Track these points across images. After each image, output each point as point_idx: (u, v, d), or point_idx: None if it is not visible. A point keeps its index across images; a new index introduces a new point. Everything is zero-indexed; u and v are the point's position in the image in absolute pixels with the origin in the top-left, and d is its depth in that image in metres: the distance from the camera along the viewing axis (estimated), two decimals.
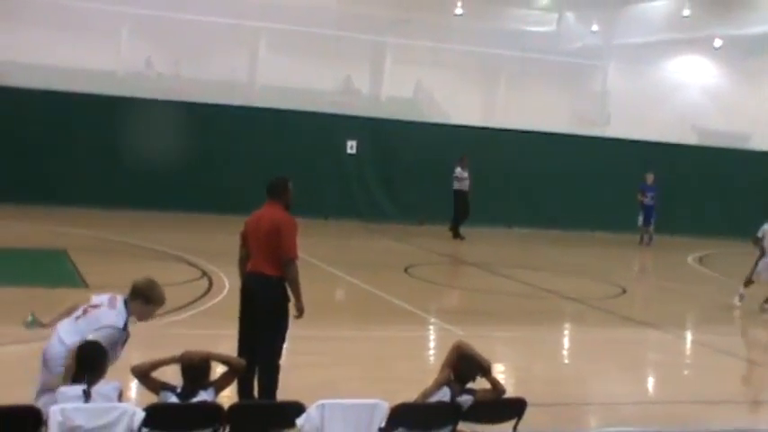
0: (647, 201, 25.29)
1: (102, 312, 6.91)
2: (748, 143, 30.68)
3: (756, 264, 16.87)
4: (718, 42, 31.26)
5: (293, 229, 8.13)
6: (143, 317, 7.14)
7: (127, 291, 7.10)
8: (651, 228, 25.45)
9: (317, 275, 15.93)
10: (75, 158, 22.25)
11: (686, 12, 30.16)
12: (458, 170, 23.26)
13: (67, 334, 6.73)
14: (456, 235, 23.22)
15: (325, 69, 28.33)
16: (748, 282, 16.86)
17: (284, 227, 8.08)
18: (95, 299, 7.07)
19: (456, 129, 26.33)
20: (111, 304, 6.98)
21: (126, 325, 6.94)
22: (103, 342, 6.59)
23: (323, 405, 6.34)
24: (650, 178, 25.44)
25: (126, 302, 7.03)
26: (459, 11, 28.52)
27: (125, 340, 6.95)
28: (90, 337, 6.62)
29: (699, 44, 31.34)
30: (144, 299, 7.11)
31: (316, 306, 12.42)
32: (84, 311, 6.93)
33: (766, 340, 15.18)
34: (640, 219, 25.36)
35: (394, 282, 16.84)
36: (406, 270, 18.00)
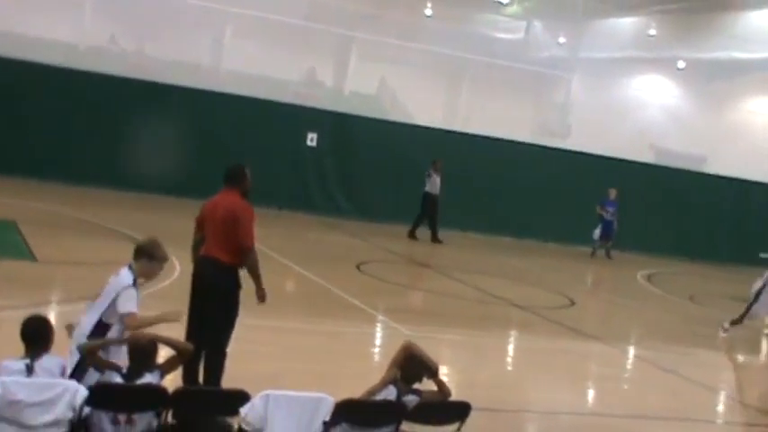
0: (608, 216, 25.41)
1: (111, 283, 7.07)
2: (704, 166, 31.08)
3: (749, 308, 16.99)
4: (681, 64, 31.63)
5: (250, 218, 8.09)
6: (149, 275, 7.32)
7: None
8: (610, 243, 25.60)
9: (270, 266, 15.72)
10: (29, 130, 21.95)
11: (652, 31, 30.52)
12: (430, 172, 23.27)
13: (89, 316, 6.93)
14: (412, 236, 23.26)
15: (291, 59, 28.23)
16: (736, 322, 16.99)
17: (241, 215, 8.04)
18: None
19: (417, 129, 26.37)
20: (116, 273, 7.15)
21: (135, 282, 7.08)
22: (128, 304, 6.84)
23: (268, 396, 6.33)
24: (613, 193, 25.60)
25: (130, 266, 7.17)
26: (429, 11, 28.58)
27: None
28: (118, 307, 6.87)
29: (662, 64, 31.69)
30: (148, 256, 7.27)
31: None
32: (98, 295, 7.04)
33: (709, 360, 15.36)
34: (597, 232, 25.43)
35: (346, 277, 16.83)
36: (358, 266, 18.00)
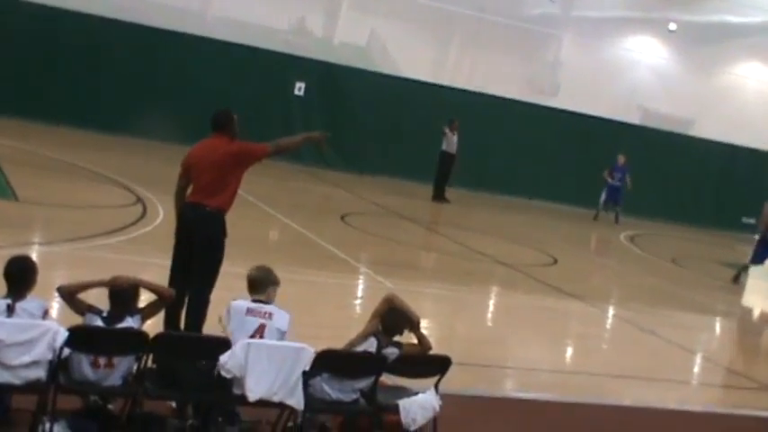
0: (614, 182, 25.46)
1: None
2: (691, 129, 31.09)
3: None
4: (672, 26, 31.49)
5: (248, 144, 8.04)
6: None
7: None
8: (618, 208, 25.66)
9: (254, 214, 15.86)
10: (15, 70, 21.72)
11: None
12: (446, 130, 23.24)
13: None
14: (439, 197, 23.24)
15: (281, 7, 27.96)
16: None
17: (239, 147, 7.97)
18: None
19: (406, 82, 26.25)
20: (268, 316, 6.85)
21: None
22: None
23: (249, 344, 6.33)
24: (621, 159, 25.66)
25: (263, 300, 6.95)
26: None
27: None
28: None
29: (654, 25, 31.54)
30: (274, 284, 7.08)
31: (249, 244, 12.42)
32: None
33: (688, 322, 15.47)
34: (603, 196, 25.56)
35: (330, 228, 16.83)
36: (342, 218, 17.99)
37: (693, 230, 26.80)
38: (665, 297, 17.40)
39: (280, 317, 6.75)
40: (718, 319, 16.96)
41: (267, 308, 6.76)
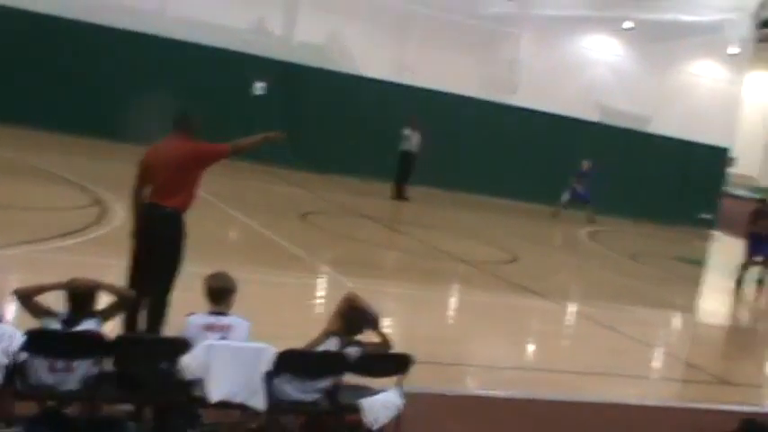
0: (580, 189, 25.69)
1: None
2: (648, 126, 31.37)
3: None
4: (628, 24, 31.73)
5: (207, 144, 7.96)
6: None
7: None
8: (590, 207, 25.90)
9: (213, 215, 15.76)
10: None
11: None
12: (407, 130, 23.28)
13: None
14: (400, 195, 23.25)
15: (239, 7, 27.73)
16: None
17: (200, 147, 7.88)
18: None
19: (365, 81, 26.25)
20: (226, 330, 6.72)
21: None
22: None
23: (210, 345, 6.28)
24: (585, 165, 25.95)
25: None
26: None
27: None
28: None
29: (610, 23, 31.75)
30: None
31: (210, 244, 12.34)
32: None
33: (648, 317, 15.60)
34: (565, 195, 25.74)
35: (290, 227, 16.77)
36: (304, 217, 17.93)
37: (652, 226, 27.04)
38: (624, 293, 17.54)
39: (239, 329, 6.66)
40: (677, 313, 17.12)
41: (226, 320, 6.67)
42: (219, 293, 6.76)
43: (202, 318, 6.62)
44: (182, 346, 6.29)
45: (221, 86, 23.87)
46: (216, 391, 6.22)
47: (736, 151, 37.43)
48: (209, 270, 6.99)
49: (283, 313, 10.74)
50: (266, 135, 8.20)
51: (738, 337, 16.45)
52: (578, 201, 25.67)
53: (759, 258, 19.32)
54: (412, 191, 23.58)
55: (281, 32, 29.01)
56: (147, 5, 26.75)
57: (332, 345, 6.90)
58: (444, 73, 28.37)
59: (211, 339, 6.44)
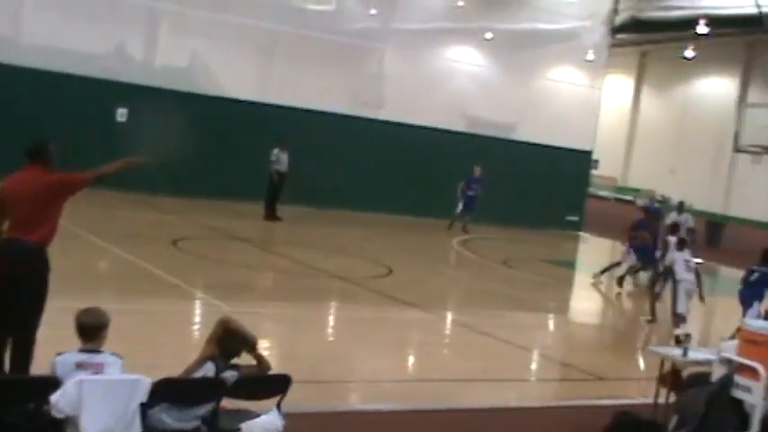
0: (471, 192, 26.20)
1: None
2: (513, 133, 32.06)
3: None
4: (489, 34, 32.39)
5: (66, 174, 7.72)
6: None
7: None
8: (468, 217, 26.38)
9: (80, 246, 15.38)
10: None
11: (460, 2, 31.09)
12: (275, 151, 23.16)
13: None
14: (271, 215, 23.09)
15: (98, 32, 27.16)
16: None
17: (58, 177, 7.65)
18: None
19: (231, 102, 26.08)
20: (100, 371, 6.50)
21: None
22: None
23: (81, 381, 6.09)
24: (477, 171, 26.48)
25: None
26: None
27: None
28: None
29: (471, 35, 32.33)
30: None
31: (78, 277, 12.02)
32: None
33: (523, 321, 15.89)
34: (460, 206, 26.24)
35: (162, 255, 16.48)
36: (174, 243, 17.65)
37: (522, 232, 27.60)
38: (499, 299, 17.85)
39: (113, 367, 6.46)
40: (550, 315, 17.51)
41: (99, 358, 6.46)
42: (91, 330, 6.55)
43: (73, 356, 6.41)
44: (51, 384, 6.09)
45: (83, 114, 23.33)
46: (90, 428, 6.03)
47: (599, 154, 38.65)
48: (78, 305, 6.80)
49: (159, 342, 10.54)
50: (128, 160, 8.04)
51: (609, 335, 16.94)
52: (467, 207, 26.14)
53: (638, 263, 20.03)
54: (284, 210, 23.50)
55: (142, 57, 28.53)
56: (1, 33, 25.97)
57: (209, 370, 6.80)
58: (311, 90, 28.41)
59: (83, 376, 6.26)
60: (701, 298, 15.99)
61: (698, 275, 15.99)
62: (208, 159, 24.97)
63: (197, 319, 12.76)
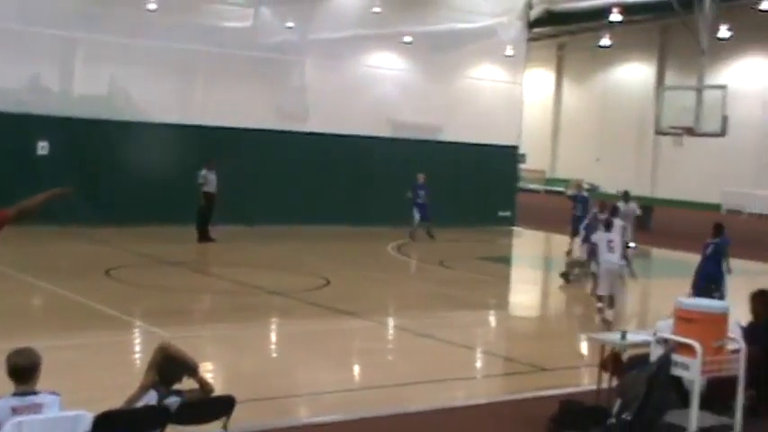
0: (420, 200, 26.33)
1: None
2: (440, 134, 32.25)
3: None
4: (407, 38, 32.57)
5: None
6: None
7: None
8: (428, 223, 26.45)
9: (10, 286, 15.13)
10: None
11: (377, 9, 31.22)
12: (203, 172, 22.96)
13: None
14: (204, 237, 22.89)
15: (10, 66, 26.77)
16: None
17: None
18: None
19: (154, 126, 25.85)
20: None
21: None
22: None
23: (20, 423, 5.98)
24: (421, 178, 26.62)
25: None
26: (152, 6, 27.87)
27: None
28: None
29: (390, 40, 32.49)
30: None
31: (9, 317, 11.80)
32: None
33: (462, 320, 15.98)
34: (416, 216, 26.39)
35: (95, 286, 16.26)
36: (107, 273, 17.43)
37: (456, 231, 27.74)
38: (438, 300, 17.94)
39: (51, 407, 6.29)
40: (490, 312, 17.64)
41: (35, 399, 6.27)
42: (24, 371, 6.34)
43: (7, 400, 6.23)
44: None
45: (3, 150, 22.94)
46: None
47: (525, 148, 39.04)
48: (11, 345, 6.68)
49: (98, 375, 10.40)
50: (50, 192, 7.93)
51: (550, 326, 17.10)
52: (422, 215, 26.24)
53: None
54: (216, 231, 23.34)
55: (59, 88, 28.14)
56: None
57: (151, 398, 6.74)
58: (235, 108, 28.28)
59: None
60: (633, 275, 16.23)
61: (625, 256, 16.25)
62: (134, 185, 24.70)
63: (136, 347, 12.62)
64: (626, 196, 25.35)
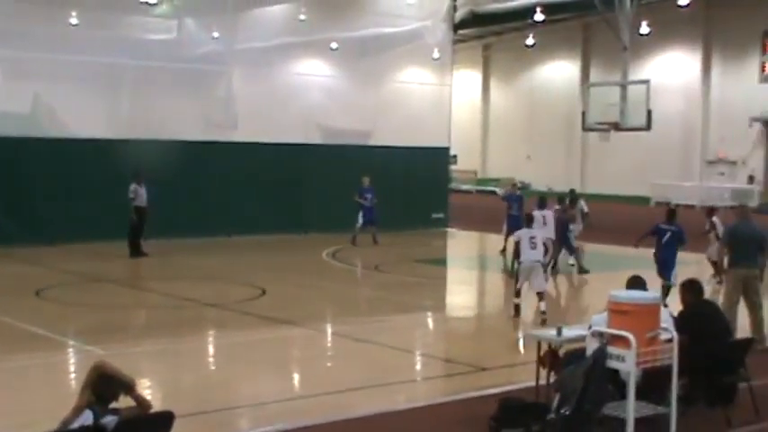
0: (367, 203, 26.42)
1: None
2: (370, 139, 32.29)
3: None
4: (334, 44, 32.59)
5: None
6: None
7: None
8: (374, 228, 26.51)
9: None
10: None
11: (302, 16, 31.20)
12: (133, 186, 22.62)
13: None
14: (137, 252, 22.59)
15: None
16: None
17: None
18: None
19: (81, 142, 25.51)
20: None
21: None
22: None
23: None
24: (366, 181, 26.71)
25: None
26: (74, 20, 27.49)
27: None
28: None
29: (317, 46, 32.48)
30: None
31: None
32: None
33: (400, 323, 16.01)
34: (360, 220, 26.42)
35: (25, 307, 15.98)
36: (37, 293, 17.12)
37: (390, 235, 27.71)
38: (375, 304, 17.96)
39: None
40: (427, 314, 17.69)
41: None
42: None
43: None
44: None
45: None
46: None
47: (456, 149, 39.30)
48: None
49: (32, 398, 10.20)
50: None
51: (487, 325, 17.17)
52: (368, 219, 26.34)
53: None
54: (149, 245, 23.07)
55: None
56: None
57: (87, 419, 6.63)
58: (163, 120, 28.05)
59: None
60: (552, 267, 16.49)
61: (546, 250, 16.55)
62: (64, 202, 24.34)
63: (71, 367, 12.41)
64: (572, 195, 25.30)
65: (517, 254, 16.11)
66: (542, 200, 22.09)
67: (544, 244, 16.19)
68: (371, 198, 26.59)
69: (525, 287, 15.80)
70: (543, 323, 14.63)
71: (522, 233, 16.11)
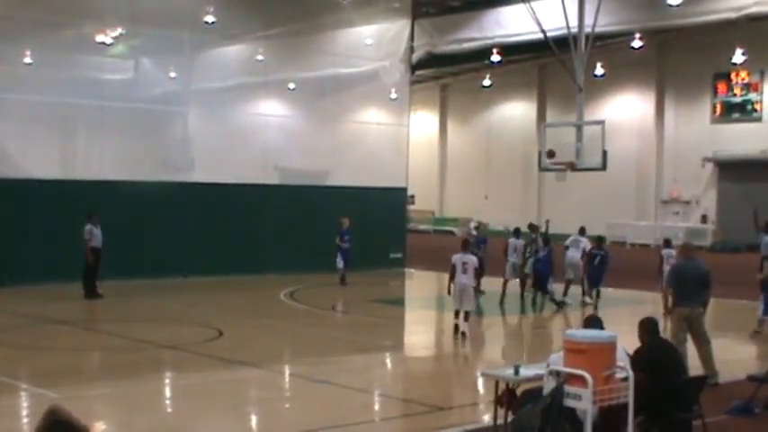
0: (345, 244, 26.62)
1: None
2: (327, 179, 32.30)
3: None
4: (291, 85, 32.67)
5: None
6: None
7: None
8: (346, 269, 26.72)
9: None
10: None
11: (260, 56, 31.27)
12: (88, 227, 22.38)
13: None
14: (92, 293, 22.34)
15: None
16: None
17: None
18: None
19: (35, 183, 25.23)
20: None
21: None
22: None
23: None
24: (346, 223, 26.87)
25: None
26: (27, 60, 27.33)
27: None
28: None
29: (275, 87, 32.50)
30: None
31: None
32: None
33: (357, 364, 15.95)
34: (340, 262, 26.61)
35: None
36: None
37: (348, 275, 27.62)
38: (332, 345, 17.87)
39: None
40: (385, 354, 17.63)
41: None
42: None
43: None
44: None
45: None
46: None
47: (414, 189, 39.45)
48: None
49: None
50: None
51: (445, 365, 17.16)
52: (345, 260, 26.51)
53: None
54: (104, 286, 22.81)
55: None
56: None
57: None
58: (118, 161, 27.90)
59: None
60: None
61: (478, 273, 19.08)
62: (16, 245, 24.07)
63: (23, 412, 12.18)
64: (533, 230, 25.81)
65: (452, 276, 17.65)
66: (517, 230, 25.19)
67: (475, 268, 18.06)
68: (349, 239, 26.71)
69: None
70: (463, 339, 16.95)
71: (456, 258, 17.72)
